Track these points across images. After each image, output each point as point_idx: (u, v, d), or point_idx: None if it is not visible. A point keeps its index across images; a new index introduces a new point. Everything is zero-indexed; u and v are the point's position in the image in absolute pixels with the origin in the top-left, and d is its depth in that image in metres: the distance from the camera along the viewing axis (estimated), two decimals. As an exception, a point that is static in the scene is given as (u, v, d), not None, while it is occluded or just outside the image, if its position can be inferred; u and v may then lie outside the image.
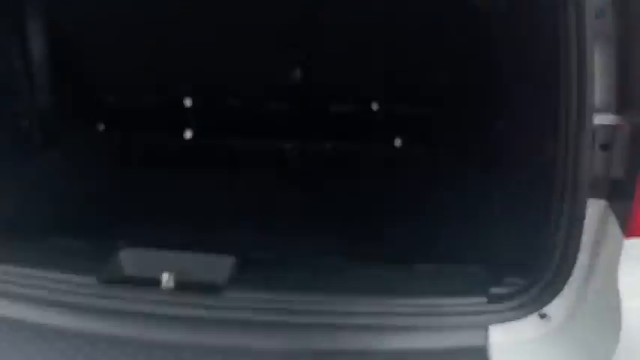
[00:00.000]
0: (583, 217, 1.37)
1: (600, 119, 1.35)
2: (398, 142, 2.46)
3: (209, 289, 1.58)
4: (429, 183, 2.46)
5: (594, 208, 1.39)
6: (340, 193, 2.63)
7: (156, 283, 1.59)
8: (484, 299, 1.51)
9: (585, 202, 1.35)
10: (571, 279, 1.44)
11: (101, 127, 2.81)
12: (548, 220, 1.45)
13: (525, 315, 1.49)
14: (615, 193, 1.36)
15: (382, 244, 2.16)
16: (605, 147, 1.34)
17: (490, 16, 2.10)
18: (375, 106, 2.36)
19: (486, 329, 1.50)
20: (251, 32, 2.26)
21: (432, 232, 2.05)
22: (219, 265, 1.65)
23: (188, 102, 2.47)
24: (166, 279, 1.59)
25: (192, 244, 2.41)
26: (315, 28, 2.22)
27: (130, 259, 1.71)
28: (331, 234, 2.35)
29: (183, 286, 1.59)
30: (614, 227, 1.37)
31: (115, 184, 2.80)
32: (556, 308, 1.48)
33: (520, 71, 1.86)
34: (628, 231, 1.31)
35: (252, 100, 2.52)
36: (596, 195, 1.38)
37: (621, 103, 1.34)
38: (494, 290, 1.52)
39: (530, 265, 1.52)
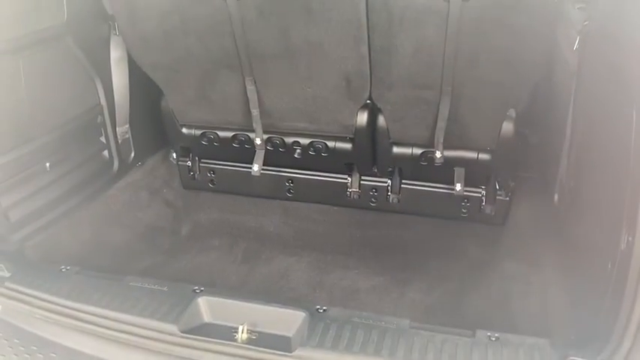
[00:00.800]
0: None
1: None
2: (458, 187, 2.48)
3: (281, 345, 1.68)
4: (484, 237, 2.50)
5: None
6: (401, 237, 2.69)
7: (231, 335, 1.71)
8: (547, 376, 1.55)
9: None
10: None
11: (173, 156, 2.97)
12: (619, 305, 1.47)
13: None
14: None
15: (444, 304, 2.23)
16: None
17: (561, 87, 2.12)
18: (438, 153, 2.39)
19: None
20: (319, 79, 2.33)
21: (496, 297, 2.10)
22: (291, 320, 1.75)
23: (258, 140, 2.56)
24: (241, 332, 1.71)
25: (257, 279, 2.55)
26: (384, 76, 2.28)
27: (208, 308, 1.83)
28: (392, 281, 2.43)
29: (256, 340, 1.69)
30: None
31: (184, 212, 2.96)
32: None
33: (589, 145, 1.87)
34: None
35: (318, 139, 2.60)
36: None
37: None
38: (558, 367, 1.56)
39: (597, 345, 1.54)
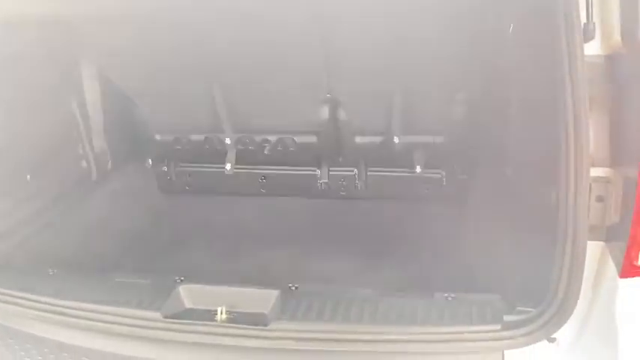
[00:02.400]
0: (583, 257, 1.56)
1: (596, 172, 1.54)
2: (418, 169, 2.66)
3: (257, 321, 1.82)
4: (448, 215, 2.67)
5: (593, 249, 1.58)
6: (372, 221, 2.86)
7: (211, 317, 1.85)
8: (499, 326, 1.71)
9: (585, 245, 1.54)
10: (576, 309, 1.63)
11: (149, 162, 3.09)
12: (555, 257, 1.64)
13: (537, 340, 1.69)
14: (611, 237, 1.55)
15: (406, 273, 2.39)
16: (600, 198, 1.53)
17: (501, 69, 2.29)
18: (396, 139, 2.56)
19: (502, 354, 1.71)
20: (283, 76, 2.49)
21: (451, 262, 2.27)
22: (265, 298, 1.89)
23: (228, 140, 2.71)
24: (220, 313, 1.85)
25: (237, 272, 2.68)
26: (341, 72, 2.44)
27: (188, 294, 1.96)
28: (358, 261, 2.58)
29: (235, 319, 1.83)
30: (610, 265, 1.56)
31: (163, 215, 3.08)
32: (564, 333, 1.68)
33: (526, 123, 2.04)
34: (622, 272, 1.50)
35: (285, 135, 2.76)
36: (595, 238, 1.57)
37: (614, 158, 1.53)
38: (509, 318, 1.72)
39: (539, 296, 1.71)
